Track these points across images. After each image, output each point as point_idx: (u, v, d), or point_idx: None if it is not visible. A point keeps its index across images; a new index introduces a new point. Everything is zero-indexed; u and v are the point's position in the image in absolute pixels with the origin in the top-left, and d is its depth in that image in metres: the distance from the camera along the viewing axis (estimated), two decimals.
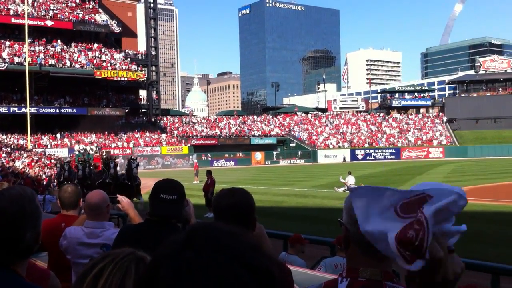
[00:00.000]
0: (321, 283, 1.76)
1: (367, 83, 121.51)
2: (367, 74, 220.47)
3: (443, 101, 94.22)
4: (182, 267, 0.77)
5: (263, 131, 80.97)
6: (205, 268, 0.77)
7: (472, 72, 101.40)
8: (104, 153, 27.67)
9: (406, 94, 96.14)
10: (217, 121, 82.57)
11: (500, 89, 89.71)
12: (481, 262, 7.07)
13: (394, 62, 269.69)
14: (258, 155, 73.61)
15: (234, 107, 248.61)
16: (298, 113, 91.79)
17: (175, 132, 74.57)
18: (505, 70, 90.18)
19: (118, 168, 22.61)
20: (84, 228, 3.77)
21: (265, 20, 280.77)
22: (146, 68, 72.21)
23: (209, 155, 70.39)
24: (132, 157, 24.60)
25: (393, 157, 75.01)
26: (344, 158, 73.44)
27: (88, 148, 24.81)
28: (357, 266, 1.71)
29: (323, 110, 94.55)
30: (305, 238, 7.20)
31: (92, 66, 63.33)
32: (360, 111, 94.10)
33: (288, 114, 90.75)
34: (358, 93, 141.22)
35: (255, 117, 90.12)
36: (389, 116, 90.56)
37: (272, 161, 73.69)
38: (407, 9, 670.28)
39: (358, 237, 1.67)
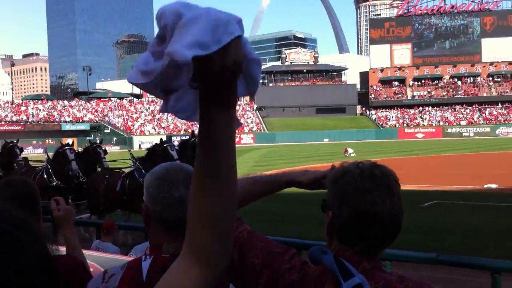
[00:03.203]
0: (124, 264, 1.73)
1: None
2: None
3: None
4: None
5: (75, 117, 77.14)
6: None
7: (279, 63, 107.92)
8: None
9: None
10: (23, 106, 76.56)
11: (303, 79, 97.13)
12: (286, 238, 7.70)
13: None
14: (70, 142, 69.76)
15: (42, 91, 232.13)
16: (113, 99, 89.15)
17: None
18: (308, 62, 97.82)
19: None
20: None
21: (75, 0, 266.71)
22: None
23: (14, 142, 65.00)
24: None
25: None
26: (139, 146, 72.72)
27: None
28: (161, 242, 1.70)
29: (138, 96, 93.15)
30: (118, 225, 7.14)
31: None
32: None
33: (102, 99, 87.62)
34: None
35: (66, 102, 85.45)
36: None
37: None
38: None
39: (157, 214, 1.72)
